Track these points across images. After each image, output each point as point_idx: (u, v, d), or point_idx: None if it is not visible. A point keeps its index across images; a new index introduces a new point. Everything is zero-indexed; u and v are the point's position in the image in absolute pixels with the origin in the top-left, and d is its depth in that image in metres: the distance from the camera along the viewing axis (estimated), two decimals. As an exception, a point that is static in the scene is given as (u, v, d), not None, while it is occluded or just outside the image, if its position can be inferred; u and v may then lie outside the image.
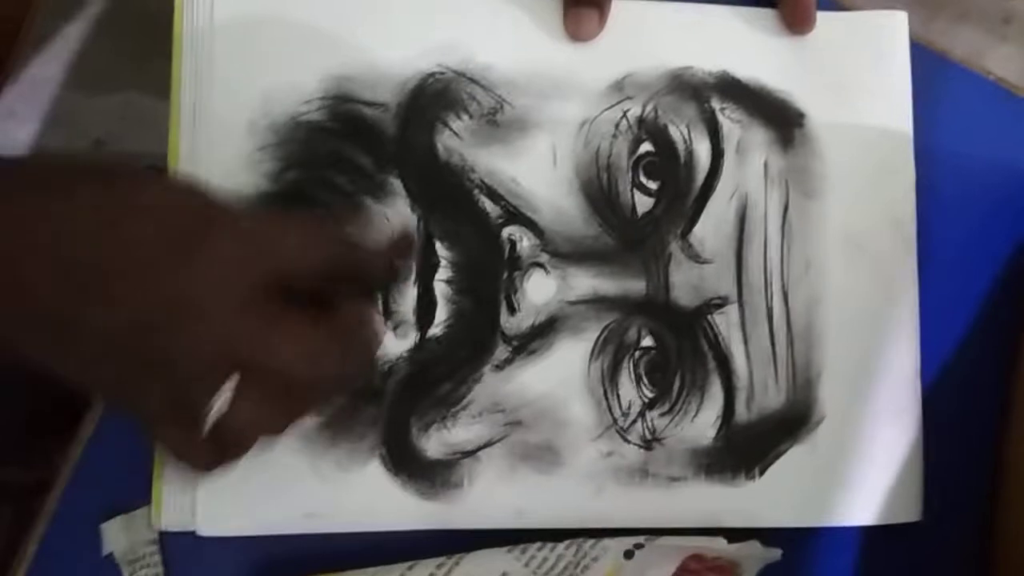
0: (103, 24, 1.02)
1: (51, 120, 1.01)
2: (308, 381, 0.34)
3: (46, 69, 1.01)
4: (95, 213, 0.33)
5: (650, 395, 0.46)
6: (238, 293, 0.33)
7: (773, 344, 0.47)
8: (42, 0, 0.59)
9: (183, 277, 0.32)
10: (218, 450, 0.34)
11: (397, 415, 0.44)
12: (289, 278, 0.35)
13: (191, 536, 0.43)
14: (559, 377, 0.45)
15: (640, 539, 0.43)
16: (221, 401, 0.32)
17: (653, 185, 0.47)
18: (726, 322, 0.46)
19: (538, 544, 0.43)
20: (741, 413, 0.46)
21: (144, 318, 0.32)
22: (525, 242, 0.45)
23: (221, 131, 0.44)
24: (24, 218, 0.32)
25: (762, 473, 0.46)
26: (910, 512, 0.47)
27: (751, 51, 0.48)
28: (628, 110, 0.46)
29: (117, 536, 0.43)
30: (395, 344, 0.44)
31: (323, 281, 0.36)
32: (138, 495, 0.43)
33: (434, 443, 0.44)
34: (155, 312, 0.32)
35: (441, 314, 0.45)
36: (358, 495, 0.43)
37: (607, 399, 0.45)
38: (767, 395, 0.46)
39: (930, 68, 0.50)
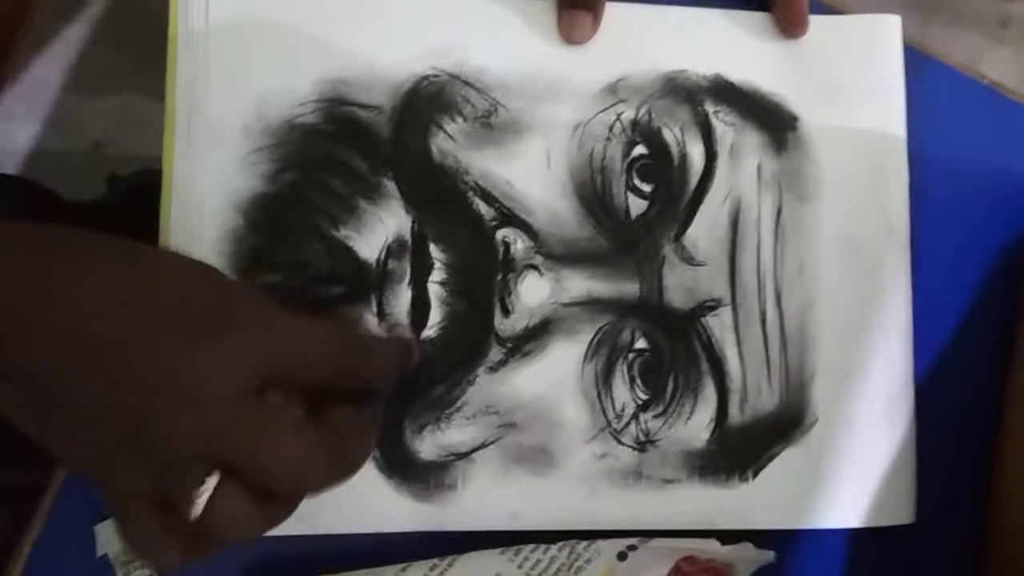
0: (102, 26, 1.02)
1: (50, 122, 1.01)
2: (291, 491, 0.34)
3: (45, 71, 1.01)
4: (106, 288, 0.32)
5: (644, 397, 0.46)
6: (236, 389, 0.32)
7: (766, 346, 0.47)
8: (42, 2, 0.59)
9: (185, 366, 0.32)
10: (187, 543, 0.33)
11: (391, 417, 0.44)
12: (291, 379, 0.34)
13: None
14: (553, 379, 0.45)
15: (633, 541, 0.43)
16: (203, 495, 0.32)
17: (647, 188, 0.47)
18: (719, 324, 0.46)
19: (532, 546, 0.43)
20: (734, 415, 0.46)
21: (140, 400, 0.31)
22: (519, 244, 0.46)
23: (216, 134, 0.44)
24: (31, 279, 0.31)
25: (755, 475, 0.46)
26: (903, 514, 0.47)
27: (745, 54, 0.48)
28: (622, 113, 0.47)
29: (111, 538, 0.43)
30: (389, 346, 0.44)
31: (326, 384, 0.36)
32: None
33: (428, 445, 0.44)
34: (152, 396, 0.32)
35: (435, 316, 0.45)
36: (352, 497, 0.43)
37: (601, 401, 0.45)
38: (760, 397, 0.46)
39: (926, 72, 0.50)
